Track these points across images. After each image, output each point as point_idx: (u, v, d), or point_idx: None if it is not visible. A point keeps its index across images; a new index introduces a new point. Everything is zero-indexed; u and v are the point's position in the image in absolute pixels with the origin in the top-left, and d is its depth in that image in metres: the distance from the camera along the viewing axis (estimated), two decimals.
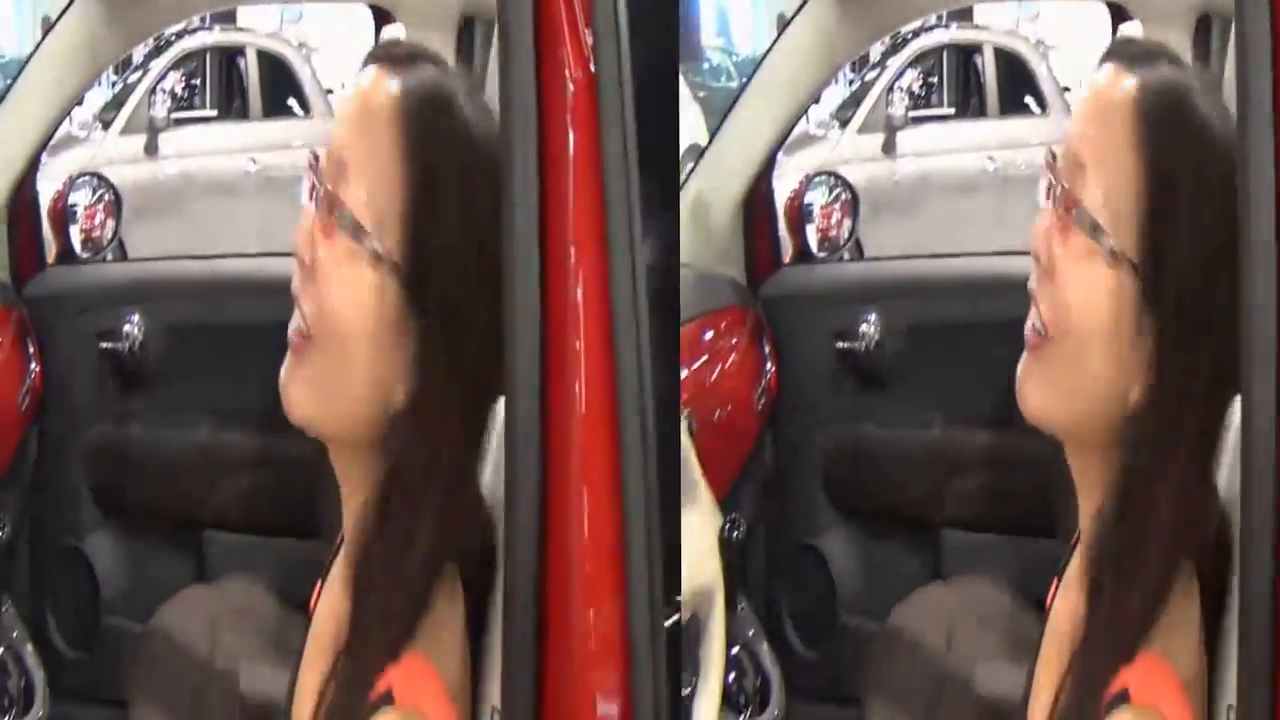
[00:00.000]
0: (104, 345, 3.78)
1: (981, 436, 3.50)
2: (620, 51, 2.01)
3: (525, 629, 1.91)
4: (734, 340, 3.76)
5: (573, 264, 1.97)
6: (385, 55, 1.99)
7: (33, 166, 3.81)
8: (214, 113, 4.93)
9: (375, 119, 1.91)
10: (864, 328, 3.82)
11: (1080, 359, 1.88)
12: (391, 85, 1.92)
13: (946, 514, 3.74)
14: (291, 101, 5.01)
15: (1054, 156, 1.93)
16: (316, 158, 1.93)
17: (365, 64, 1.98)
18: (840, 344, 3.83)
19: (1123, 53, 2.01)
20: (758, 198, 3.87)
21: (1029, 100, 6.26)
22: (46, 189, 3.91)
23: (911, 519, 3.84)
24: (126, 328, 3.76)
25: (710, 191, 3.83)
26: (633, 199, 2.00)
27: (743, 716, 3.58)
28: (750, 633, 3.56)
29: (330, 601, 1.99)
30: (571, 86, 1.98)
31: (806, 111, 4.08)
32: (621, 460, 2.04)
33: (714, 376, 3.71)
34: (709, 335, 3.67)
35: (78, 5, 3.67)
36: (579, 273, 1.98)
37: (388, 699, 1.89)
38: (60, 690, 3.63)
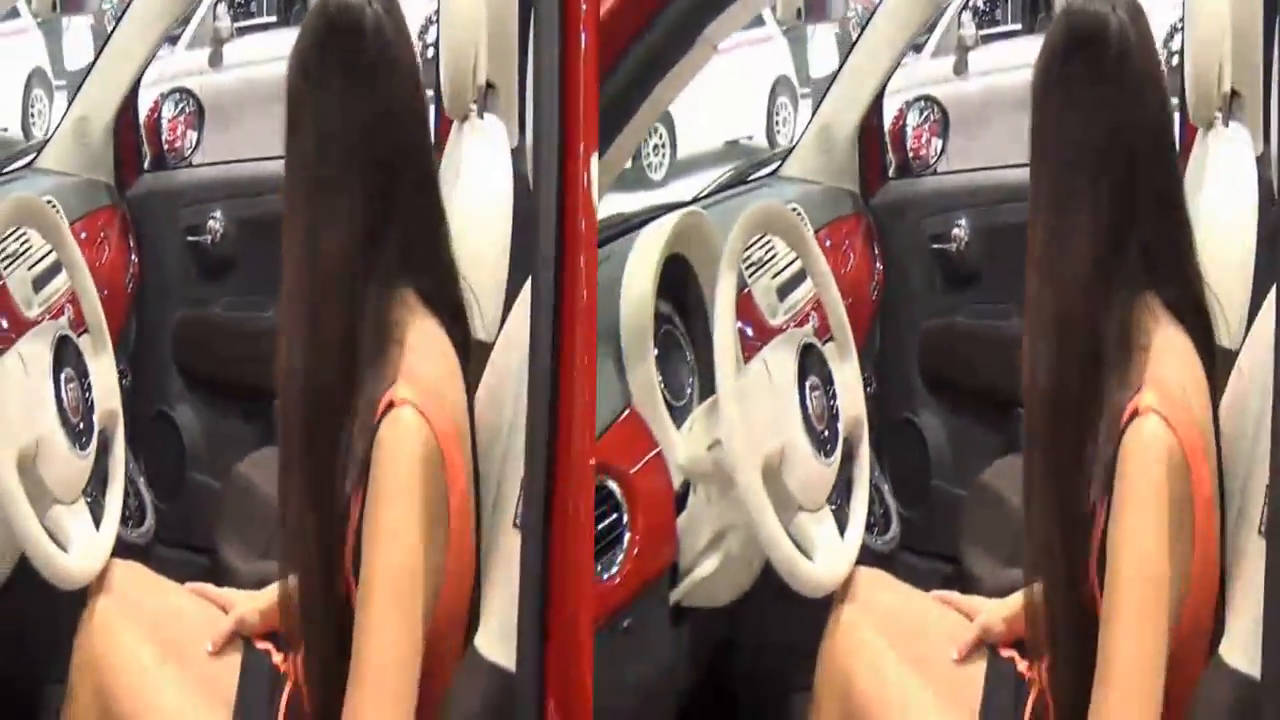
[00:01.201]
0: (190, 239, 3.95)
1: None
2: None
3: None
4: (853, 243, 3.91)
5: None
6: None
7: (134, 88, 3.99)
8: (274, 19, 4.74)
9: None
10: (955, 231, 4.00)
11: None
12: None
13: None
14: None
15: None
16: None
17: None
18: (935, 246, 4.01)
19: None
20: (869, 122, 4.04)
21: None
22: (144, 103, 4.06)
23: (994, 399, 3.92)
24: (209, 223, 3.95)
25: (834, 120, 4.00)
26: None
27: (872, 534, 3.61)
28: (875, 472, 3.54)
29: None
30: None
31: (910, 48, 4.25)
32: None
33: (841, 273, 3.77)
34: (831, 240, 3.80)
35: None
36: None
37: (389, 406, 2.27)
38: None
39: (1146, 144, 2.37)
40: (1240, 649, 2.28)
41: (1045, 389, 2.42)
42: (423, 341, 2.33)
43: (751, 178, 4.19)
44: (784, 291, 3.44)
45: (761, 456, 2.78)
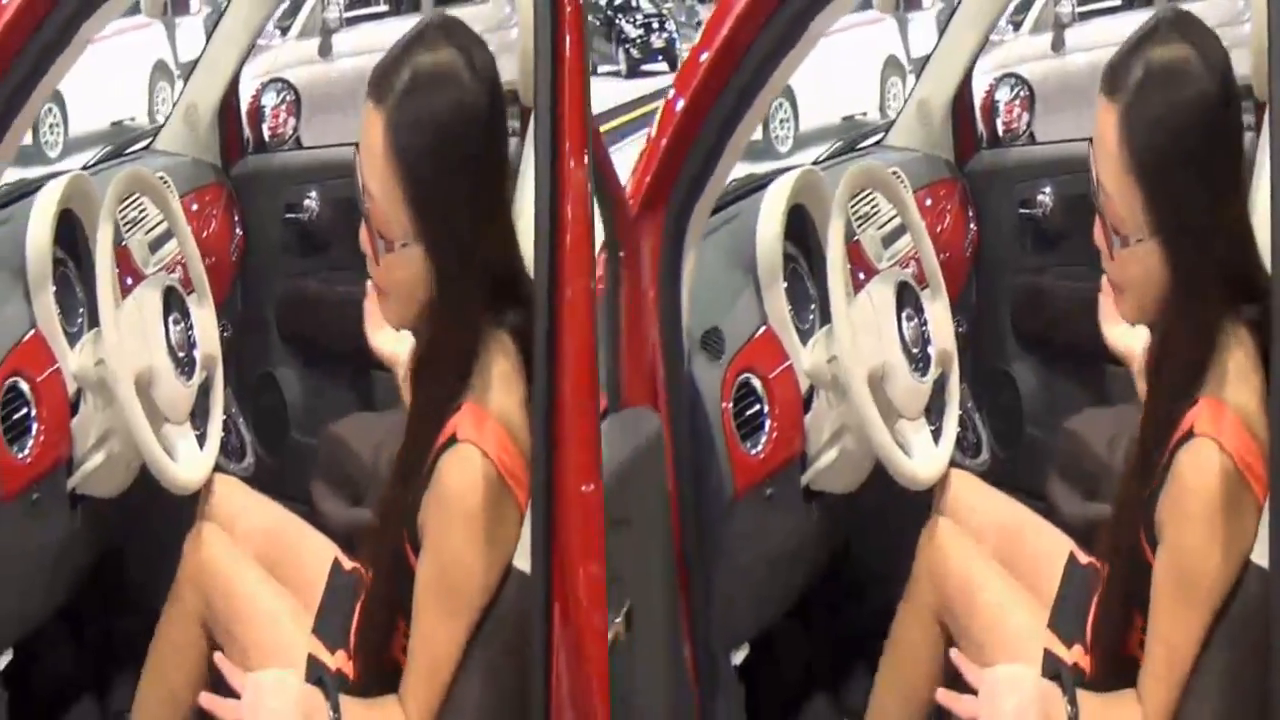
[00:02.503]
0: (289, 216, 4.11)
1: None
2: None
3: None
4: (948, 206, 4.06)
5: None
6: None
7: (237, 76, 4.13)
8: (385, 8, 4.76)
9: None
10: (1041, 198, 4.17)
11: None
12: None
13: (1109, 352, 3.78)
14: None
15: None
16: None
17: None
18: (1023, 211, 4.18)
19: None
20: (961, 96, 4.18)
21: None
22: (245, 92, 4.19)
23: (1081, 354, 3.97)
24: (306, 202, 4.10)
25: (930, 94, 4.18)
26: None
27: (964, 455, 3.74)
28: (968, 403, 3.75)
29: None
30: None
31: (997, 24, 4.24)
32: None
33: (937, 230, 3.93)
34: (930, 201, 3.95)
35: None
36: None
37: (452, 440, 2.20)
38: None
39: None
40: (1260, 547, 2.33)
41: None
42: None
43: (859, 146, 4.27)
44: (887, 241, 3.59)
45: (867, 369, 3.15)
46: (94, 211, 3.34)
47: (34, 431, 3.14)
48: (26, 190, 3.39)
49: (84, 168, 3.64)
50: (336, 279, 4.08)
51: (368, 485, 3.54)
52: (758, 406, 3.12)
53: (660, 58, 22.21)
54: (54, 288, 3.32)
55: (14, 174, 3.34)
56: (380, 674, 2.36)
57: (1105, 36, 4.91)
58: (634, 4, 22.20)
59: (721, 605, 2.89)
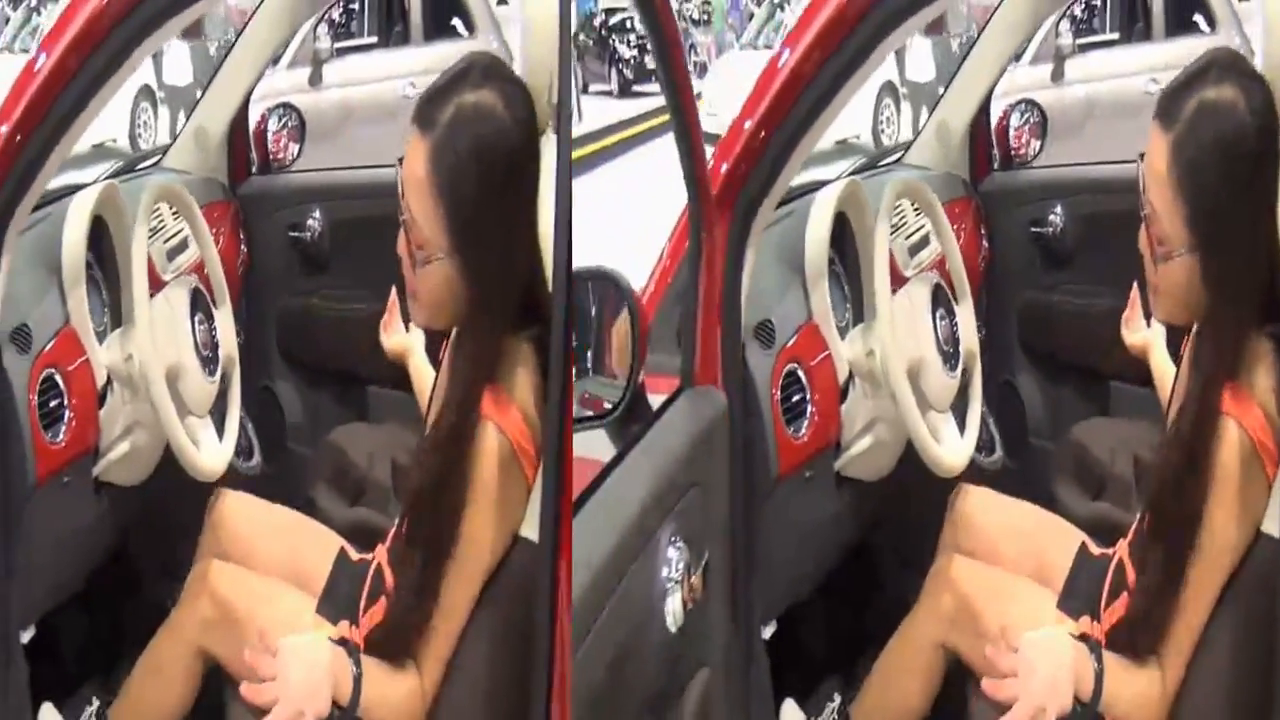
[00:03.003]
0: (292, 235, 4.25)
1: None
2: None
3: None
4: (964, 222, 4.19)
5: None
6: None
7: (246, 101, 4.24)
8: (374, 39, 4.88)
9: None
10: (1051, 218, 4.37)
11: None
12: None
13: (1113, 368, 4.10)
14: (455, 21, 4.88)
15: None
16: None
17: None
18: (1034, 229, 4.38)
19: None
20: (978, 120, 4.33)
21: (1198, 19, 6.34)
22: (251, 116, 4.31)
23: (1084, 368, 4.28)
24: (309, 222, 4.24)
25: (949, 117, 4.33)
26: None
27: (980, 454, 3.88)
28: (984, 407, 3.81)
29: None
30: None
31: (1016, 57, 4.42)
32: None
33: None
34: (949, 217, 3.86)
35: None
36: None
37: (482, 416, 2.39)
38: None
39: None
40: (1275, 519, 2.57)
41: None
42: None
43: (882, 163, 4.38)
44: (913, 251, 3.74)
45: (906, 361, 3.36)
46: (121, 219, 3.50)
47: (66, 419, 3.25)
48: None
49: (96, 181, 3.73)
50: (335, 298, 4.22)
51: (364, 488, 3.69)
52: (802, 394, 3.26)
53: (653, 79, 21.79)
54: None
55: None
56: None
57: (1101, 69, 5.34)
58: (628, 25, 21.96)
59: (759, 579, 3.03)
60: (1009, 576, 3.11)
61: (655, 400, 2.87)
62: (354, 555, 2.80)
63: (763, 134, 2.85)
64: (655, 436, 2.64)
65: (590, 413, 2.80)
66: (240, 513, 3.17)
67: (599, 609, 2.23)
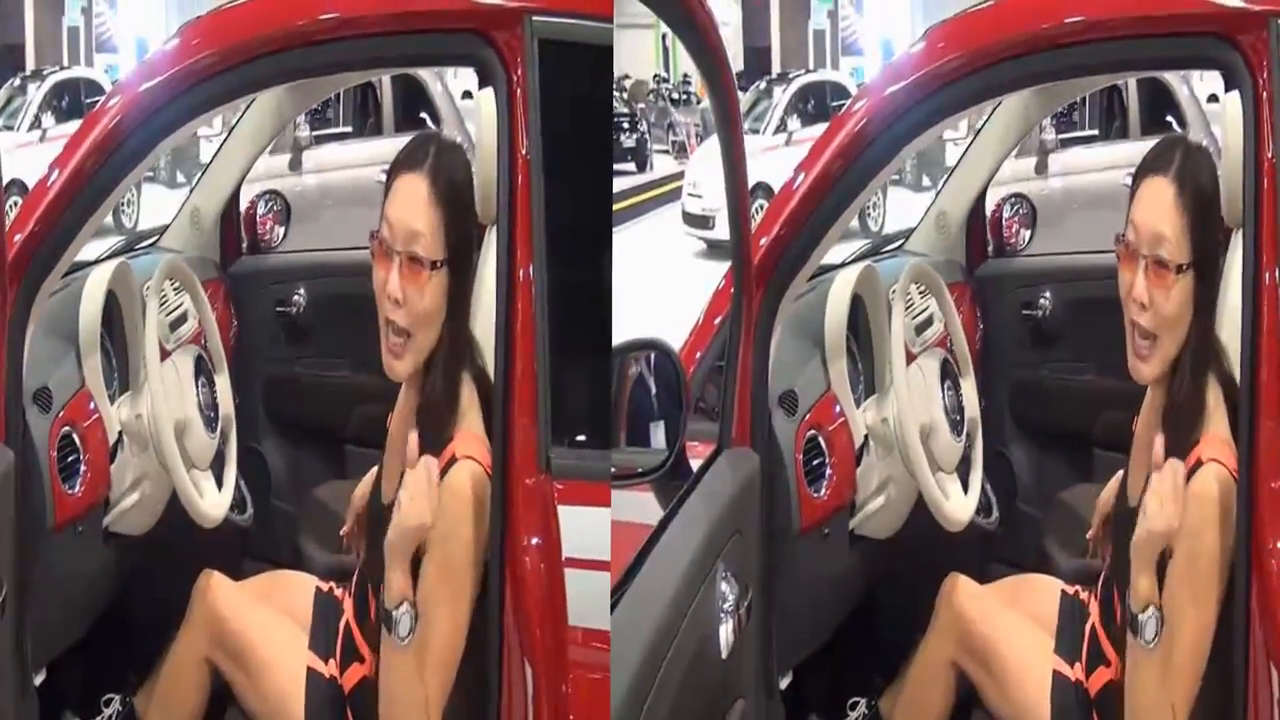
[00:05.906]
0: (278, 309, 4.50)
1: (1121, 381, 3.40)
2: None
3: None
4: (961, 304, 4.31)
5: None
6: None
7: (238, 187, 4.53)
8: (349, 129, 5.08)
9: None
10: (1041, 301, 4.58)
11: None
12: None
13: (1097, 437, 4.35)
14: (424, 115, 5.15)
15: None
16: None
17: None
18: (1025, 312, 4.58)
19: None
20: (974, 211, 4.59)
21: (1170, 119, 6.67)
22: (242, 200, 4.59)
23: (1072, 439, 4.48)
24: (294, 297, 4.50)
25: (949, 207, 4.58)
26: None
27: (979, 516, 4.04)
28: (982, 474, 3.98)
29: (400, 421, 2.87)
30: None
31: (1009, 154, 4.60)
32: None
33: None
34: None
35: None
36: None
37: (453, 459, 2.76)
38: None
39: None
40: None
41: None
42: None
43: (885, 249, 4.56)
44: (919, 329, 3.91)
45: (919, 425, 3.60)
46: (131, 293, 3.81)
47: (81, 472, 3.51)
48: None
49: (97, 260, 4.00)
50: (317, 365, 4.48)
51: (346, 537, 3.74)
52: (821, 458, 3.47)
53: (630, 158, 22.17)
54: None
55: None
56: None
57: (1081, 163, 5.46)
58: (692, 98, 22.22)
59: (779, 625, 3.20)
60: (1013, 627, 3.41)
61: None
62: (324, 587, 3.24)
63: (802, 216, 3.08)
64: (705, 488, 2.87)
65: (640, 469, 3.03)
66: (223, 600, 3.46)
67: (673, 633, 2.44)
